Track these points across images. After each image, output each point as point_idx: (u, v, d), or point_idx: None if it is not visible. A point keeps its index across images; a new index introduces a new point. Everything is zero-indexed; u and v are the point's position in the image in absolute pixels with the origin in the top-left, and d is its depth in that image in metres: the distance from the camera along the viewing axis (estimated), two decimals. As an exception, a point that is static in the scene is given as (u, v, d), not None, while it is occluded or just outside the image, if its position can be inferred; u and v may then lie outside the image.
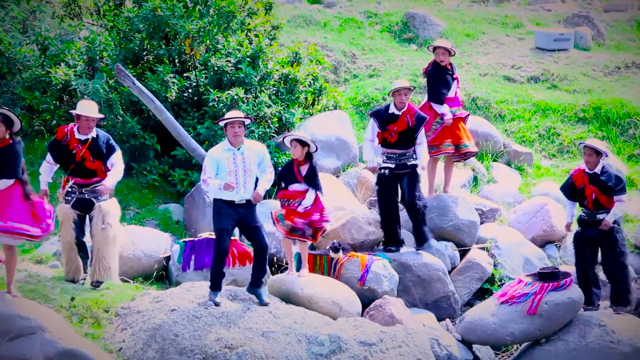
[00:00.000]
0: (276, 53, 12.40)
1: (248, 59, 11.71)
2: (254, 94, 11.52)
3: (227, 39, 11.98)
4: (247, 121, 8.19)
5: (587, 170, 8.88)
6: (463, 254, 10.38)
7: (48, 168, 8.41)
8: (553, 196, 11.48)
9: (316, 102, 12.75)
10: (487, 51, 16.10)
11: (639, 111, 13.70)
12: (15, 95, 12.10)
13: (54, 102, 11.92)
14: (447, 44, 10.65)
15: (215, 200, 8.08)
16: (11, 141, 7.52)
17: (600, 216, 8.80)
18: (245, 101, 11.26)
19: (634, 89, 14.57)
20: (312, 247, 9.31)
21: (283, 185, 8.84)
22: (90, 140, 8.25)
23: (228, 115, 8.15)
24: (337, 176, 11.50)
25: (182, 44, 11.58)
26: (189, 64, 11.87)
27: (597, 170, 8.82)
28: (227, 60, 11.62)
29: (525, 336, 8.53)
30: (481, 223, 10.81)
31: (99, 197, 8.30)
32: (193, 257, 9.36)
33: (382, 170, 9.73)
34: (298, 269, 8.89)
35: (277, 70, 11.98)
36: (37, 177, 8.42)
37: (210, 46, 11.86)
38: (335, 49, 15.21)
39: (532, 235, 10.99)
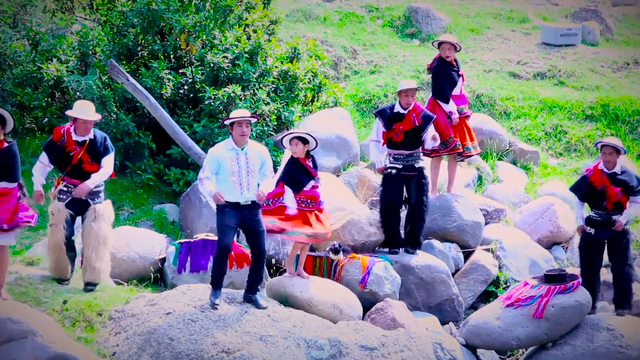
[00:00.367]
0: (275, 49, 12.41)
1: (246, 55, 11.71)
2: (251, 91, 11.50)
3: (224, 34, 11.99)
4: (254, 120, 8.22)
5: (605, 169, 8.72)
6: (467, 255, 10.32)
7: (42, 169, 8.31)
8: (560, 196, 11.46)
9: (315, 99, 12.77)
10: (492, 47, 16.24)
11: (649, 108, 13.77)
12: (6, 91, 12.08)
13: (46, 98, 11.92)
14: (453, 39, 10.62)
15: None
16: (6, 144, 7.49)
17: (615, 217, 8.68)
18: (243, 99, 11.22)
19: (644, 86, 14.65)
20: (311, 249, 9.27)
21: (294, 187, 8.62)
22: (88, 142, 8.18)
23: (235, 114, 8.06)
24: (338, 175, 11.48)
25: (178, 39, 11.56)
26: (185, 59, 11.85)
27: (617, 170, 8.68)
28: (224, 57, 11.61)
29: (531, 340, 8.48)
30: (486, 224, 10.75)
31: (95, 199, 8.26)
32: (189, 259, 9.25)
33: (389, 170, 9.71)
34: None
35: (276, 67, 11.98)
36: (29, 177, 8.31)
37: (207, 41, 11.84)
38: (335, 44, 15.34)
39: (539, 237, 10.95)
